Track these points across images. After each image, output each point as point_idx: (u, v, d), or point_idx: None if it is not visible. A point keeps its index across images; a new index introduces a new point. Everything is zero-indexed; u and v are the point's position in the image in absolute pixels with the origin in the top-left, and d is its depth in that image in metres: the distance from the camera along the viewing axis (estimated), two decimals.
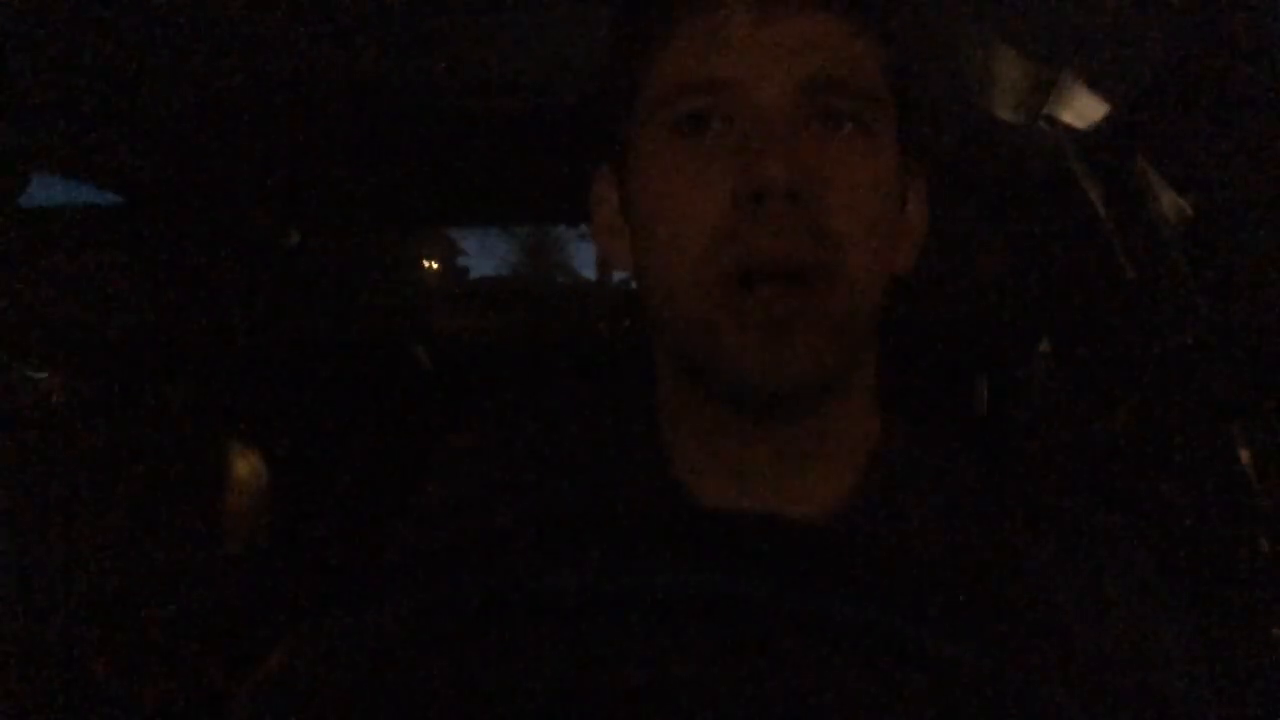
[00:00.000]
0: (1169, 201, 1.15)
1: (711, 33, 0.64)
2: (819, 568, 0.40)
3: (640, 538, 0.42)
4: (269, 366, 1.86)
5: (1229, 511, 1.13)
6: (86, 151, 1.49)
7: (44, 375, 1.56)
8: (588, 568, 0.40)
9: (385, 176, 1.70)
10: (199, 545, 1.31)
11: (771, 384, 0.63)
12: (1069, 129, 1.23)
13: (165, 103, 1.31)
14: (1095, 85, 1.18)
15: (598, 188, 0.74)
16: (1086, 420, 1.43)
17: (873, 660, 0.39)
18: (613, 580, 0.40)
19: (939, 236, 0.74)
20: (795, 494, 0.69)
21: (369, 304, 2.29)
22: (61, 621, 1.20)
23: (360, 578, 0.43)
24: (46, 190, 1.53)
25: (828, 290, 0.62)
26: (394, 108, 1.37)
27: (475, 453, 0.77)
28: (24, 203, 1.45)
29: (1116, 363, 1.37)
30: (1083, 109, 1.20)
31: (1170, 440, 1.23)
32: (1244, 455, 1.10)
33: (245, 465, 1.40)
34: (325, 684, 0.41)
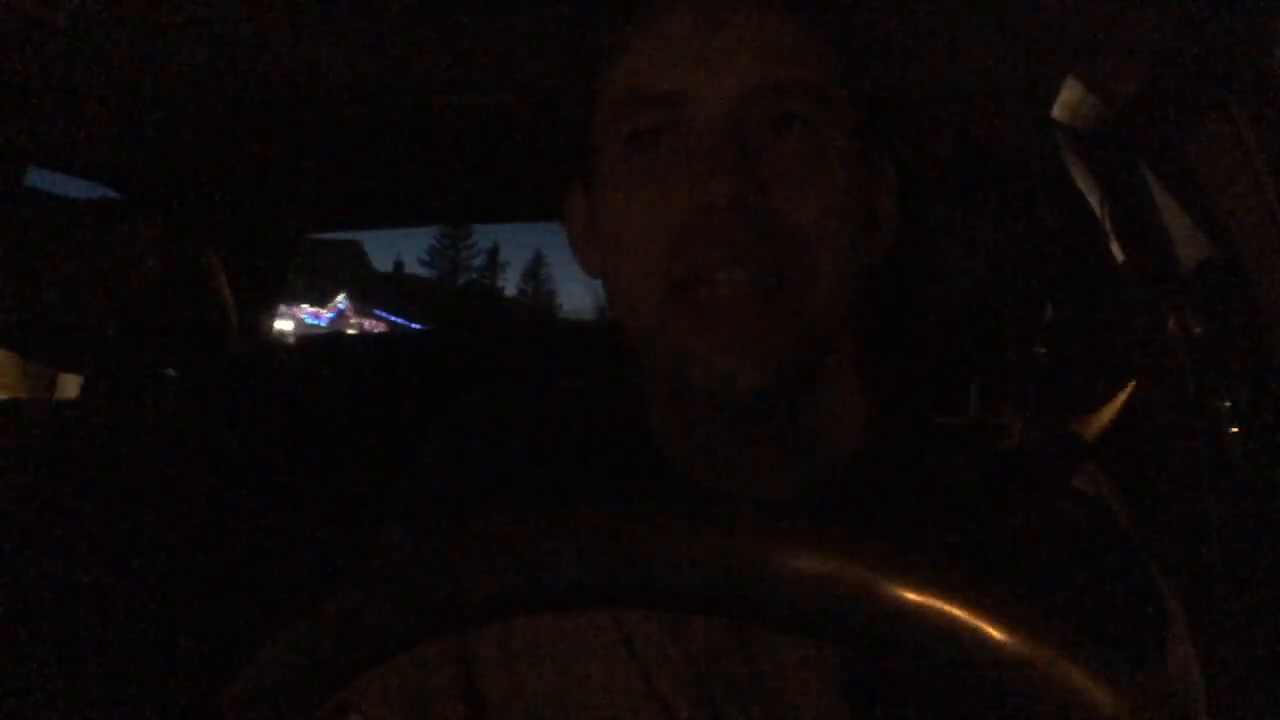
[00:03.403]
0: (1168, 202, 1.15)
1: (659, 43, 0.64)
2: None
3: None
4: (266, 363, 1.86)
5: (1225, 509, 1.13)
6: (86, 151, 1.49)
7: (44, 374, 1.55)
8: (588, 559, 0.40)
9: (386, 175, 1.70)
10: (194, 543, 1.31)
11: (733, 386, 0.63)
12: (1069, 129, 1.23)
13: (165, 102, 1.31)
14: (1095, 85, 1.17)
15: (571, 198, 0.75)
16: (1080, 421, 1.42)
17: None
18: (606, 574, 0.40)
19: (936, 236, 0.74)
20: (780, 477, 0.70)
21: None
22: (60, 621, 1.20)
23: (350, 570, 0.43)
24: (46, 189, 1.53)
25: (789, 290, 0.62)
26: (393, 106, 1.37)
27: (465, 438, 0.77)
28: (24, 202, 1.45)
29: (1113, 363, 1.37)
30: (1083, 109, 1.20)
31: (1165, 439, 1.23)
32: (1240, 454, 1.10)
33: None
34: (312, 676, 0.41)
